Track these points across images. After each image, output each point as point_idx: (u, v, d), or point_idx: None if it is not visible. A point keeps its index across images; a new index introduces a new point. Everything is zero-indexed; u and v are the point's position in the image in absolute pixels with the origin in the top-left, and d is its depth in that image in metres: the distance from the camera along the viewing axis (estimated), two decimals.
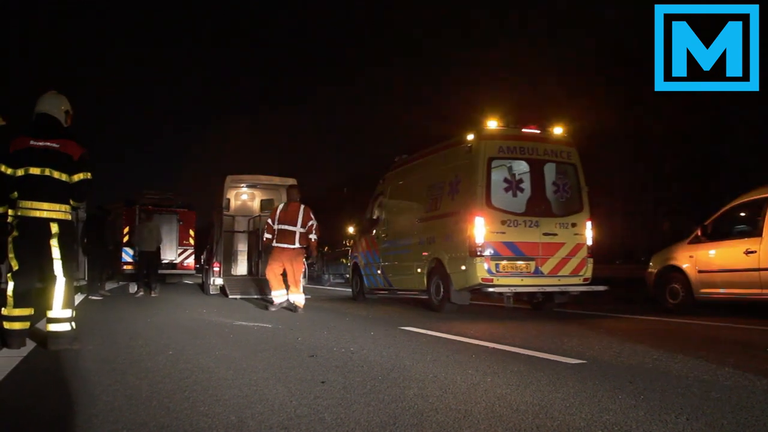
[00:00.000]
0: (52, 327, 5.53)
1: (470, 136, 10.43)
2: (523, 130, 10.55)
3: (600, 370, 4.73)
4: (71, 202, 5.77)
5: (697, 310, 10.33)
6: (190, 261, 24.64)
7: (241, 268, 17.97)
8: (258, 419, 3.20)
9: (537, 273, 9.94)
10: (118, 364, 4.94)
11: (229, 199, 17.12)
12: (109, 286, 18.98)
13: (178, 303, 12.83)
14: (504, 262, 9.84)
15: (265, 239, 11.17)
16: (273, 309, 10.75)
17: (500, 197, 10.07)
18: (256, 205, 18.02)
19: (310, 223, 10.72)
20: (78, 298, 12.12)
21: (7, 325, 5.51)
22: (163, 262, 20.60)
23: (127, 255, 21.18)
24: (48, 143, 5.60)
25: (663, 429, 3.05)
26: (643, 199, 31.63)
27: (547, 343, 6.34)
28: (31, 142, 5.55)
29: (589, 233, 10.41)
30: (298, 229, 10.68)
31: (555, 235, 10.12)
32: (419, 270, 11.40)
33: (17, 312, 5.49)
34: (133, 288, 15.16)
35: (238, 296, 13.78)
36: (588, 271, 10.31)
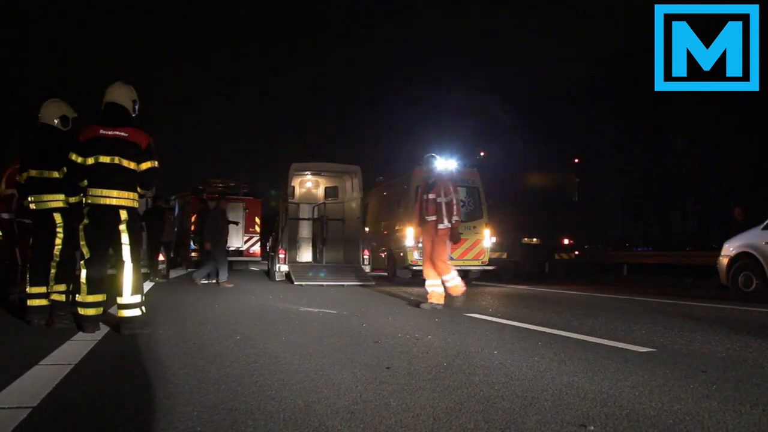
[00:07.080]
0: (124, 312, 5.69)
1: (407, 173, 16.05)
2: None
3: (670, 358, 4.62)
4: (139, 189, 5.92)
5: None
6: (256, 248, 25.03)
7: (305, 254, 18.19)
8: (324, 403, 3.23)
9: (449, 258, 14.24)
10: (188, 348, 5.06)
11: (293, 187, 17.41)
12: (177, 273, 19.50)
13: (244, 289, 13.07)
14: None
15: None
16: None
17: None
18: (320, 192, 18.29)
19: None
20: (147, 286, 12.48)
21: (81, 311, 5.72)
22: (230, 249, 21.04)
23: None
24: (117, 132, 5.73)
25: (738, 420, 2.95)
26: (714, 183, 30.59)
27: (615, 330, 6.24)
28: (101, 131, 5.70)
29: (486, 233, 15.78)
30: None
31: (461, 234, 14.15)
32: (382, 255, 17.25)
33: (90, 298, 5.70)
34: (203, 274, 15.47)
35: (303, 283, 13.94)
36: (486, 257, 15.70)
